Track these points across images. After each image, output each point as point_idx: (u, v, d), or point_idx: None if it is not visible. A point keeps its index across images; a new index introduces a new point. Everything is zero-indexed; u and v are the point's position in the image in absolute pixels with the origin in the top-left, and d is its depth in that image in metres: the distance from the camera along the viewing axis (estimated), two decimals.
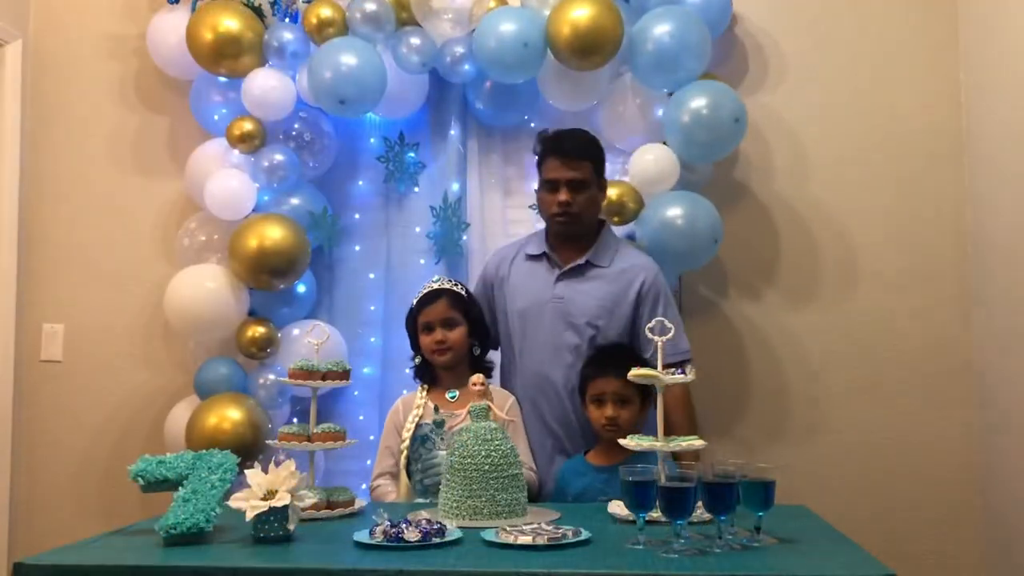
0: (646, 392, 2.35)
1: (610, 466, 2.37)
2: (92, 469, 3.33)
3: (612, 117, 3.10)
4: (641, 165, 2.97)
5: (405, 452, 2.48)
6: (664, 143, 3.00)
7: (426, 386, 2.59)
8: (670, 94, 3.02)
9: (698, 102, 2.90)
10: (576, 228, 2.65)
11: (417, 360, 2.62)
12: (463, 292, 2.64)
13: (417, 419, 2.49)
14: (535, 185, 2.72)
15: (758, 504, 1.79)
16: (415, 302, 2.62)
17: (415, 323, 2.60)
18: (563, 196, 2.58)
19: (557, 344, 2.59)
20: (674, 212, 2.90)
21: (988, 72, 3.02)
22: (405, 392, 2.77)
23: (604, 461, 2.41)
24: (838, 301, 3.20)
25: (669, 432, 2.05)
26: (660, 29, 2.89)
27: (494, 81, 3.09)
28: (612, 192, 2.93)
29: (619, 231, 2.96)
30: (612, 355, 2.45)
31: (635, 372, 2.09)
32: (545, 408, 2.59)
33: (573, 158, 2.60)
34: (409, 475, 2.48)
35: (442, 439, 2.44)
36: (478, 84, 3.13)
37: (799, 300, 3.21)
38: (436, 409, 2.50)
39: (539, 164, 2.67)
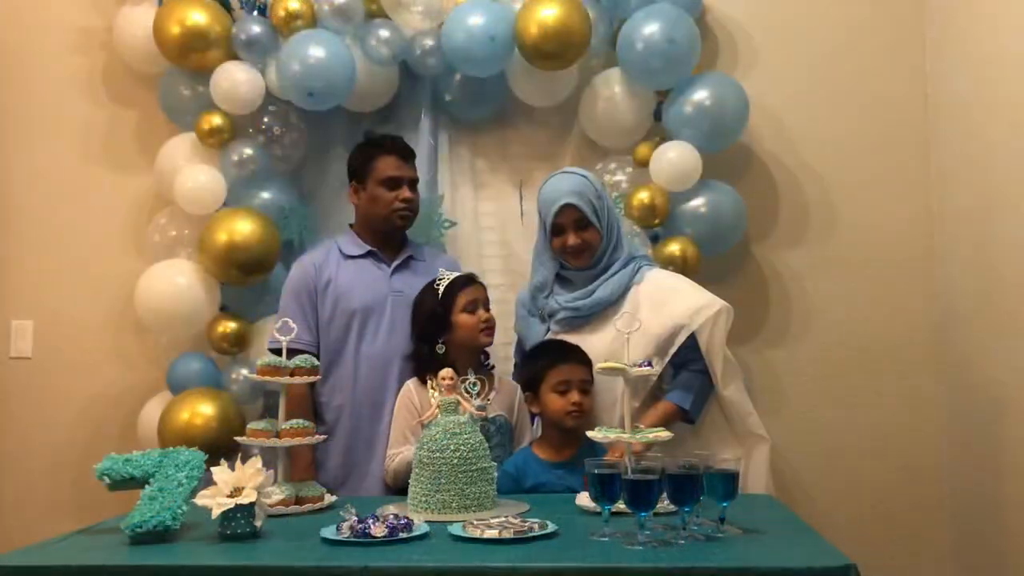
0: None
1: (563, 462, 2.38)
2: (64, 467, 3.30)
3: (596, 115, 3.08)
4: (662, 164, 2.93)
5: None
6: (661, 139, 3.00)
7: None
8: (658, 93, 3.04)
9: (701, 94, 2.94)
10: (408, 226, 2.77)
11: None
12: None
13: None
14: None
15: (722, 495, 1.81)
16: (448, 287, 2.58)
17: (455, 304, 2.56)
18: (407, 193, 2.71)
19: (404, 336, 2.64)
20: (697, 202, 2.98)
21: (952, 63, 3.03)
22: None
23: (554, 456, 2.40)
24: (810, 285, 3.22)
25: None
26: (650, 28, 2.89)
27: (463, 74, 3.08)
28: (644, 196, 2.92)
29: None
30: (568, 346, 2.46)
31: (602, 365, 2.11)
32: (389, 400, 2.60)
33: (409, 158, 2.74)
34: None
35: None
36: (448, 77, 3.12)
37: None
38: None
39: (369, 162, 2.70)
